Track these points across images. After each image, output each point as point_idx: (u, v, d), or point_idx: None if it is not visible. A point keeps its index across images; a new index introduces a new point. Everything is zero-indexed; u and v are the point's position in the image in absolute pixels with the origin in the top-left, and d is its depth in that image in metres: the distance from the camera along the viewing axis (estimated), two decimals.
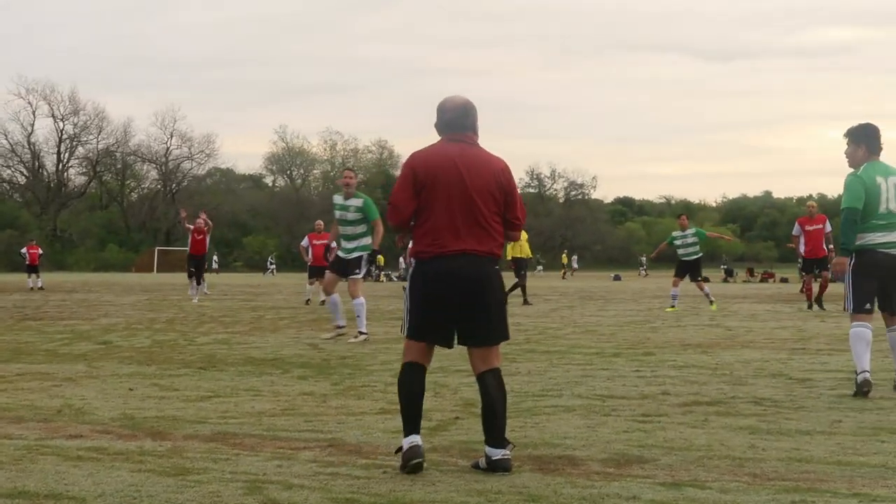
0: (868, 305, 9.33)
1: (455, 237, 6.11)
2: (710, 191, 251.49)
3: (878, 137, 9.55)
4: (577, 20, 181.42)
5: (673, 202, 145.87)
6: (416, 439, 6.03)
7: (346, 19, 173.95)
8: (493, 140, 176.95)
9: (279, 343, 14.74)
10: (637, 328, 17.76)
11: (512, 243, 27.67)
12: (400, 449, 6.06)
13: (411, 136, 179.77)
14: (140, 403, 8.73)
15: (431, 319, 6.16)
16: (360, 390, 9.61)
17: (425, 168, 6.17)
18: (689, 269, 24.37)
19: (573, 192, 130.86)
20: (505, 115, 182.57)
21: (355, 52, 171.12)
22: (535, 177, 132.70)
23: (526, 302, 27.43)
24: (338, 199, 15.21)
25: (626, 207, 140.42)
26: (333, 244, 15.84)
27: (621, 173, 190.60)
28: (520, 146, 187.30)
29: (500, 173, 6.22)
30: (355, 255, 15.05)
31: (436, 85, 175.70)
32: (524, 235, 28.04)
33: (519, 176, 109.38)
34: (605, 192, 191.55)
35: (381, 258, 78.64)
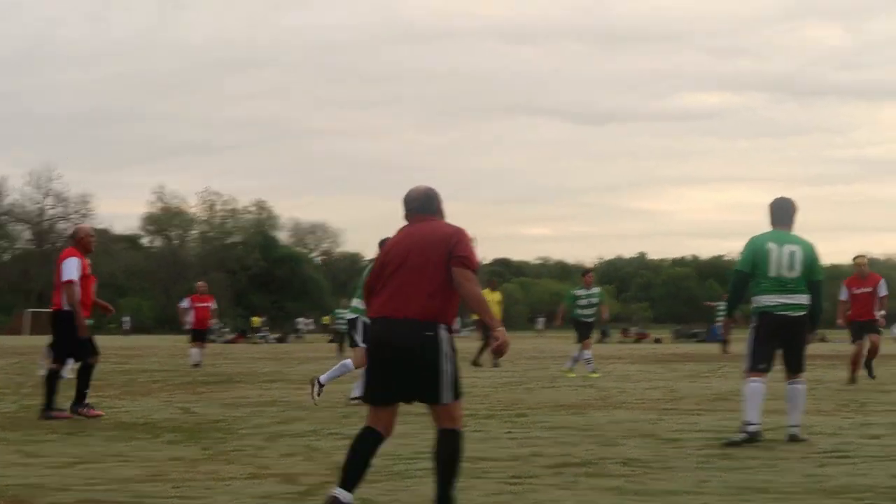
0: (763, 365, 10.12)
1: (396, 302, 6.51)
2: (586, 251, 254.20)
3: (785, 209, 10.43)
4: (454, 82, 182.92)
5: (550, 263, 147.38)
6: (341, 492, 6.36)
7: (217, 79, 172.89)
8: (372, 202, 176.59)
9: (150, 407, 14.51)
10: (512, 389, 17.84)
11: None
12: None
13: (291, 196, 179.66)
14: (2, 470, 8.51)
15: (373, 380, 6.61)
16: (230, 455, 9.49)
17: (386, 249, 6.78)
18: (583, 329, 22.78)
19: None
20: (384, 177, 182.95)
21: (231, 113, 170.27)
22: None
23: (496, 364, 25.81)
24: None
25: (504, 268, 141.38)
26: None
27: (498, 234, 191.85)
28: (397, 208, 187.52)
29: (448, 237, 6.60)
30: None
31: (315, 145, 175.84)
32: (497, 297, 27.62)
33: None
34: (483, 254, 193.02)
35: (255, 319, 78.19)
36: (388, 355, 6.50)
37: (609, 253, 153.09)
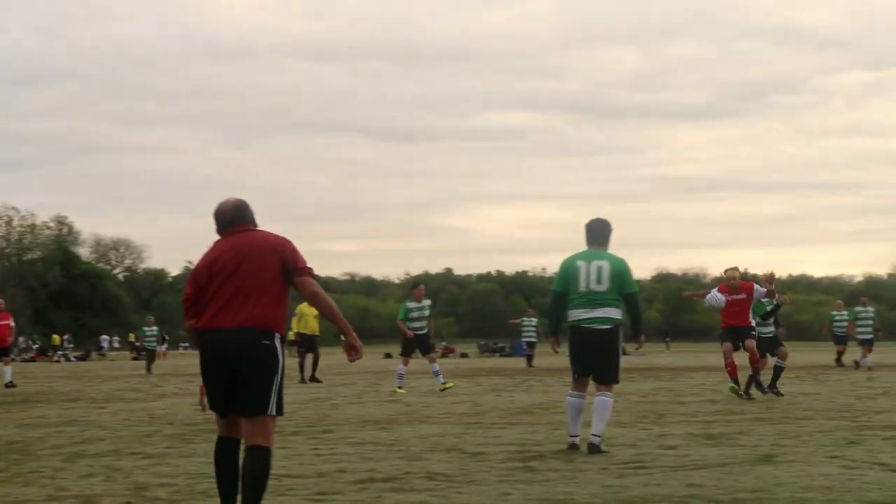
0: (577, 375, 10.70)
1: (226, 313, 6.53)
2: (393, 268, 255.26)
3: (600, 230, 10.91)
4: (256, 99, 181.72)
5: (357, 279, 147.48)
6: None
7: (14, 93, 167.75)
8: (174, 218, 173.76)
9: None
10: (318, 405, 17.78)
11: (298, 318, 27.05)
12: None
13: (90, 211, 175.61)
14: None
15: (211, 391, 6.65)
16: (27, 476, 9.21)
17: (211, 259, 6.71)
18: (421, 344, 22.56)
19: None
20: (186, 193, 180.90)
21: (29, 127, 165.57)
22: None
23: (303, 380, 26.15)
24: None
25: None
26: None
27: (303, 250, 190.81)
28: (203, 224, 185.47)
29: (279, 247, 6.72)
30: None
31: (115, 161, 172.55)
32: (314, 311, 27.32)
33: (198, 255, 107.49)
34: None
35: (55, 337, 75.94)
36: (226, 365, 6.50)
37: (415, 269, 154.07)
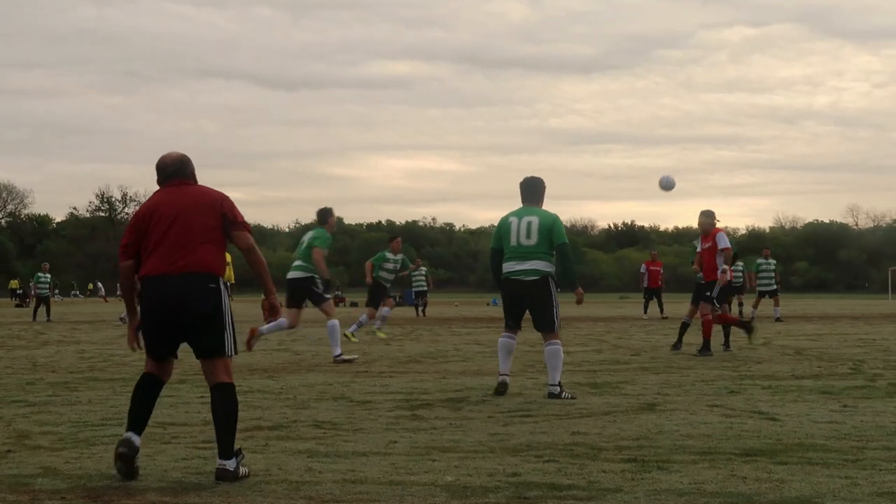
0: (511, 322, 11.27)
1: (169, 259, 6.69)
2: (282, 216, 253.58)
3: (533, 187, 11.37)
4: (140, 44, 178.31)
5: None
6: (131, 435, 6.61)
7: None
8: (59, 164, 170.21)
9: None
10: None
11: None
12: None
13: None
14: None
15: (152, 336, 6.80)
16: None
17: (150, 209, 6.85)
18: (382, 293, 23.49)
19: None
20: (71, 139, 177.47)
21: None
22: (105, 200, 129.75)
23: None
24: None
25: None
26: None
27: None
28: (87, 170, 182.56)
29: (218, 201, 6.86)
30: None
31: None
32: (228, 257, 26.97)
33: (89, 199, 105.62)
34: None
35: None
36: (171, 309, 6.67)
37: (305, 218, 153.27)
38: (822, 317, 32.51)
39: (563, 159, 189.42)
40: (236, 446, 6.68)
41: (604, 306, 53.55)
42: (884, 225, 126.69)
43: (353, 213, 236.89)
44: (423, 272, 40.23)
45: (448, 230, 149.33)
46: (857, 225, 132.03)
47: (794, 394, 11.00)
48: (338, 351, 15.68)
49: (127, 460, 6.53)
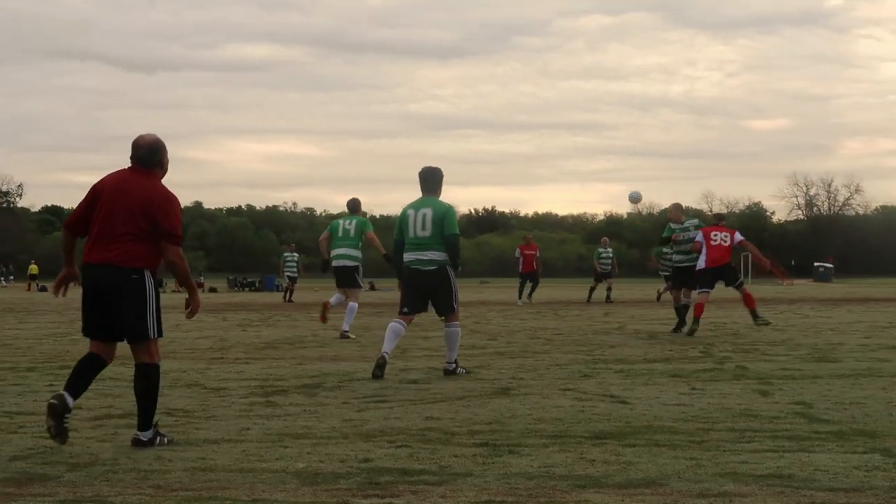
0: (406, 309, 11.88)
1: (100, 249, 7.18)
2: None
3: (431, 178, 11.97)
4: None
5: None
6: (67, 394, 7.09)
7: None
8: None
9: None
10: (57, 341, 17.33)
11: None
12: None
13: None
14: None
15: (88, 318, 7.30)
16: None
17: (98, 189, 7.34)
18: None
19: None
20: None
21: None
22: None
23: None
24: None
25: (55, 217, 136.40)
26: None
27: (49, 181, 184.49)
28: None
29: (148, 200, 7.21)
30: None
31: None
32: None
33: None
34: (33, 201, 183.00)
35: None
36: (100, 297, 7.17)
37: None
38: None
39: (422, 144, 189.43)
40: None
41: (464, 291, 53.80)
42: (737, 211, 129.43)
43: (212, 198, 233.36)
44: (296, 258, 40.08)
45: (309, 215, 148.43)
46: (711, 211, 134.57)
47: (646, 377, 11.22)
48: (347, 328, 17.59)
49: (56, 415, 6.95)
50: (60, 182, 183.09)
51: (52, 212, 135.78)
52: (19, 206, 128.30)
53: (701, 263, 17.86)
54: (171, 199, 7.32)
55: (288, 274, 40.02)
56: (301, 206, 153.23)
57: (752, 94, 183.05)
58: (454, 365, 11.70)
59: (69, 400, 7.03)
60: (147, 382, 7.29)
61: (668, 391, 10.00)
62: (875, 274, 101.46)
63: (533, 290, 34.73)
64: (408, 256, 11.77)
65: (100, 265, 7.15)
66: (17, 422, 8.30)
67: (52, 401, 7.00)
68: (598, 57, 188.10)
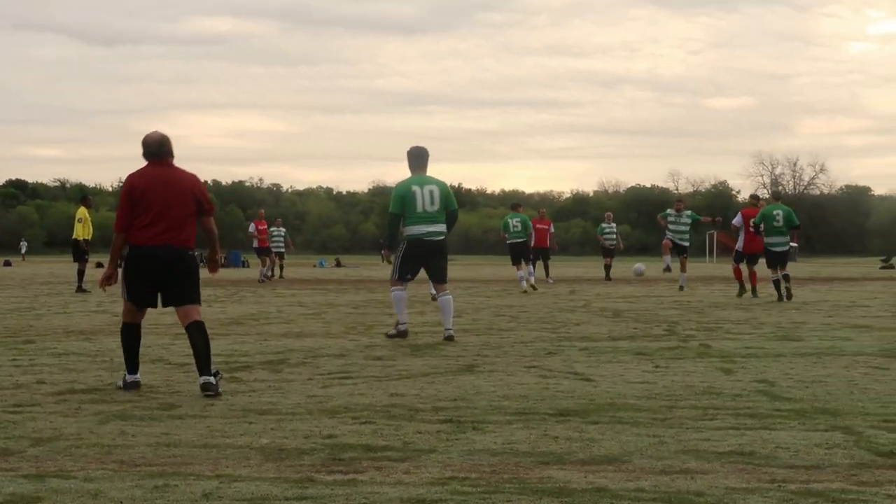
0: (409, 276, 13.16)
1: (161, 233, 8.56)
2: (103, 174, 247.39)
3: (421, 156, 13.21)
4: None
5: (68, 186, 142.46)
6: (136, 377, 8.75)
7: None
8: None
9: None
10: (21, 315, 17.24)
11: (83, 224, 25.92)
12: (124, 381, 8.72)
13: None
14: None
15: (141, 289, 8.70)
16: None
17: (141, 190, 8.59)
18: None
19: None
20: None
21: None
22: None
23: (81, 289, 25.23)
24: None
25: (19, 190, 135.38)
26: None
27: (10, 155, 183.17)
28: None
29: (192, 185, 8.76)
30: None
31: None
32: (85, 213, 26.27)
33: None
34: None
35: None
36: (158, 271, 8.59)
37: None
38: (640, 279, 33.27)
39: (387, 120, 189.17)
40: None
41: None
42: (703, 190, 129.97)
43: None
44: (283, 233, 39.78)
45: (276, 191, 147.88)
46: (677, 190, 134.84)
47: (610, 355, 11.26)
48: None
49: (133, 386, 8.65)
50: (22, 156, 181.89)
51: (17, 185, 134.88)
52: None
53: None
54: (199, 180, 8.91)
55: (275, 249, 39.59)
56: (267, 181, 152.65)
57: (715, 72, 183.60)
58: (452, 330, 12.92)
59: (138, 377, 8.75)
60: (206, 334, 8.73)
61: (632, 369, 10.05)
62: (839, 253, 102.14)
63: (547, 268, 33.07)
64: (418, 229, 12.86)
65: (161, 246, 8.53)
66: None
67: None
68: (562, 33, 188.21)
